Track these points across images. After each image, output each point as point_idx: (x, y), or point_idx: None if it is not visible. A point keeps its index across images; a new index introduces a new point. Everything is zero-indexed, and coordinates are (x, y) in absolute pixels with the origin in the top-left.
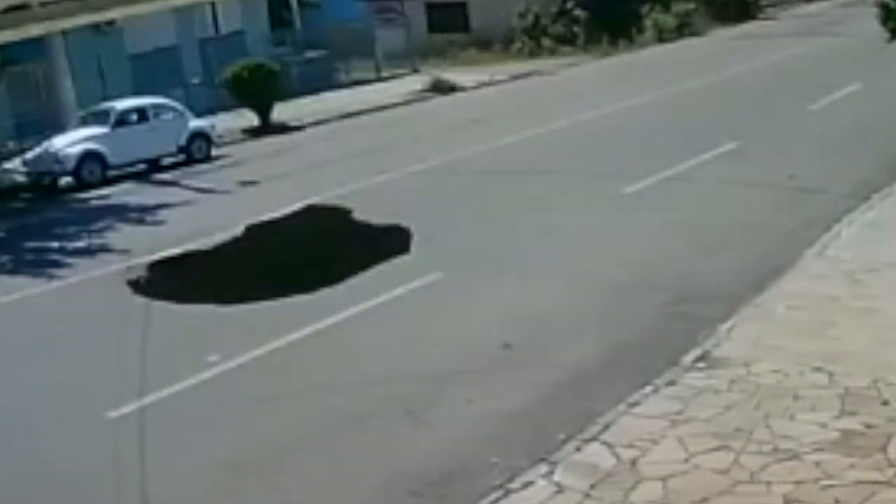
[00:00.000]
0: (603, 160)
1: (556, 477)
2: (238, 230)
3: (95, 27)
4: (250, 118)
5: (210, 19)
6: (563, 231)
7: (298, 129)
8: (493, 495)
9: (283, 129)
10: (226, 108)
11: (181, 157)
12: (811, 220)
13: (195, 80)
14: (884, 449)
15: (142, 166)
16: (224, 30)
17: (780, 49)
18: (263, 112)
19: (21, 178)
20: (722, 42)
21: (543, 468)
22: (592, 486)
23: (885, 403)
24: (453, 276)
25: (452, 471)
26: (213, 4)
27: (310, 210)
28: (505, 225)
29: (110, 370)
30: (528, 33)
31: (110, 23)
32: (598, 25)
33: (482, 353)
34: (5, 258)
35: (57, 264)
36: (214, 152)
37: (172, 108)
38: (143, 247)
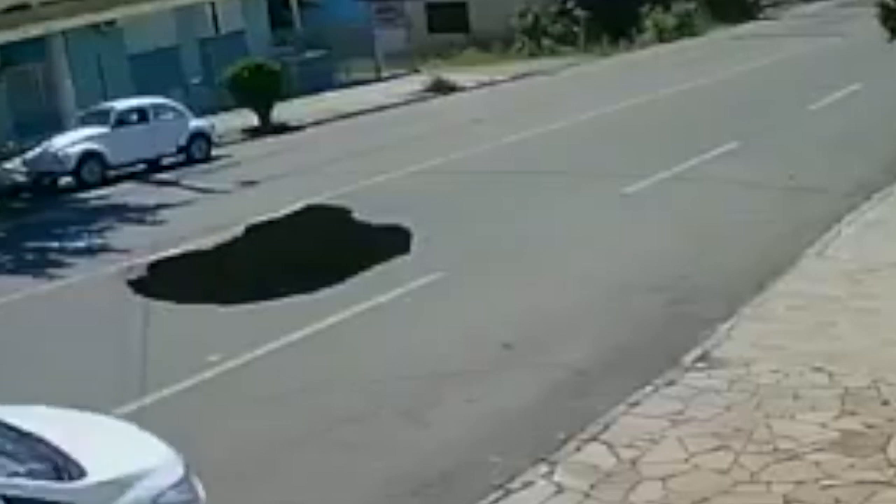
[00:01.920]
0: (603, 160)
1: (556, 477)
2: (238, 230)
3: (95, 27)
4: (250, 118)
5: (210, 19)
6: (563, 231)
7: (298, 129)
8: (494, 495)
9: (283, 129)
10: (226, 108)
11: (181, 157)
12: (811, 220)
13: (195, 80)
14: (884, 449)
15: (142, 166)
16: (224, 30)
17: (780, 49)
18: (263, 112)
19: (21, 178)
20: (722, 42)
21: (543, 468)
22: (592, 486)
23: (885, 403)
24: (453, 276)
25: (452, 471)
26: (213, 4)
27: (310, 210)
28: (505, 225)
29: (111, 370)
30: (528, 33)
31: (110, 23)
32: (598, 25)
33: (482, 352)
34: (5, 258)
35: (57, 264)
36: (214, 152)
37: (172, 108)
38: (143, 247)
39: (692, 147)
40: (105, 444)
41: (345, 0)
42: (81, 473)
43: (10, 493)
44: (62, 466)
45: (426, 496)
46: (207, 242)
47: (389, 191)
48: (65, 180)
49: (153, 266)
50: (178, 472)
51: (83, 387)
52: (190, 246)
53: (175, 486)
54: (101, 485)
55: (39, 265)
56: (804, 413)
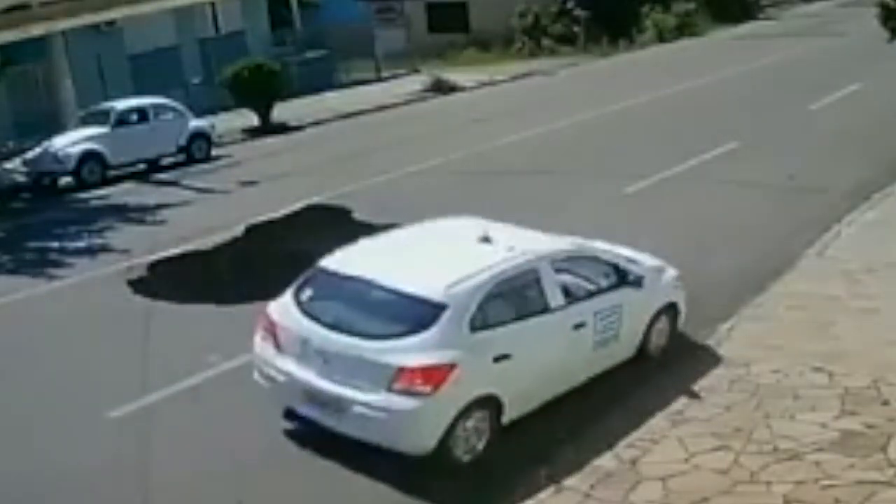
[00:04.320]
0: (603, 160)
1: (557, 477)
2: (238, 230)
3: (95, 27)
4: (250, 118)
5: (210, 19)
6: (564, 231)
7: (298, 129)
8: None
9: (283, 129)
10: (226, 108)
11: (181, 157)
12: (811, 220)
13: (195, 80)
14: (884, 449)
15: (142, 166)
16: (224, 30)
17: (780, 49)
18: (263, 112)
19: (21, 178)
20: (722, 42)
21: (543, 468)
22: (592, 486)
23: (885, 403)
24: None
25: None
26: (213, 4)
27: (310, 210)
28: None
29: (111, 370)
30: (528, 33)
31: (110, 23)
32: (598, 25)
33: None
34: (5, 258)
35: (57, 264)
36: (214, 152)
37: (172, 108)
38: (143, 247)
39: (693, 147)
40: (631, 253)
41: (345, 0)
42: (639, 263)
43: (623, 264)
44: (630, 259)
45: (434, 493)
46: (207, 242)
47: (389, 191)
48: (65, 180)
49: (153, 266)
50: (675, 271)
51: (83, 386)
52: (190, 246)
53: (677, 278)
54: (652, 268)
55: (39, 265)
56: (804, 413)
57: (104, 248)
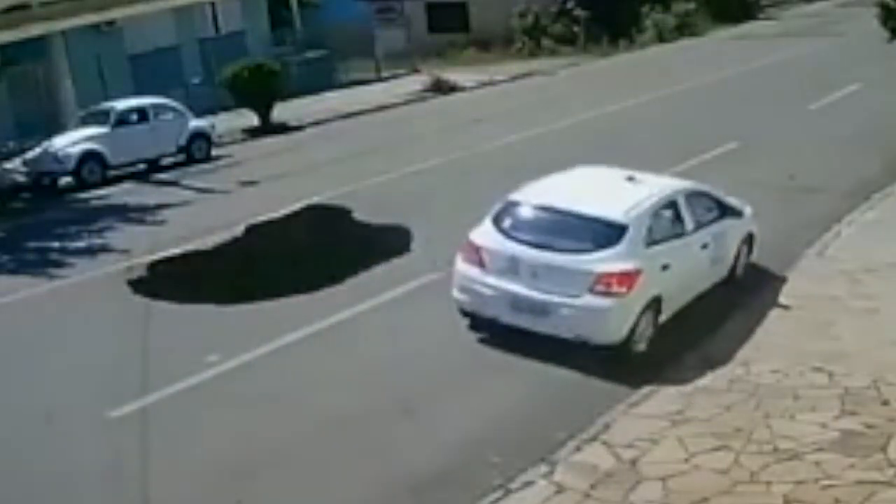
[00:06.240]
0: (604, 160)
1: (556, 477)
2: (238, 230)
3: (95, 27)
4: (250, 118)
5: (210, 19)
6: None
7: (298, 129)
8: (493, 495)
9: (283, 129)
10: (226, 108)
11: (181, 157)
12: (811, 220)
13: (195, 80)
14: (884, 449)
15: (142, 166)
16: (224, 30)
17: (780, 49)
18: (263, 112)
19: (21, 178)
20: (722, 42)
21: (543, 468)
22: (592, 486)
23: (885, 403)
24: None
25: (451, 469)
26: (213, 4)
27: (310, 210)
28: None
29: (111, 370)
30: (528, 33)
31: (110, 23)
32: (598, 25)
33: (483, 355)
34: (5, 258)
35: (57, 264)
36: (214, 152)
37: (172, 108)
38: (143, 247)
39: (693, 147)
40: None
41: (345, 0)
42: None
43: (725, 199)
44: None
45: (425, 493)
46: (207, 242)
47: (389, 191)
48: (65, 180)
49: (153, 266)
50: (751, 207)
51: (83, 386)
52: (190, 246)
53: (754, 212)
54: (740, 203)
55: (39, 265)
56: (804, 413)
57: (104, 248)
